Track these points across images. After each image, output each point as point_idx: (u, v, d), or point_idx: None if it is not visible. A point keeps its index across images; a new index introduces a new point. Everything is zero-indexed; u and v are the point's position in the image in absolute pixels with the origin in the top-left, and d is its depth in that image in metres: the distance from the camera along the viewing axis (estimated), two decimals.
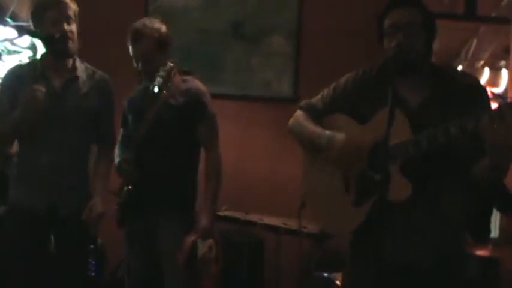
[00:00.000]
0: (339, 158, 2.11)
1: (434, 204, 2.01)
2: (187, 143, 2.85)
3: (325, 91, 2.29)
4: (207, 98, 2.86)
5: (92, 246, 2.85)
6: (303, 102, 2.36)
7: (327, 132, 2.16)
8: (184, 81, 2.86)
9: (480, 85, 2.09)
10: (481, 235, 3.28)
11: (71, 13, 2.60)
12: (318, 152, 2.20)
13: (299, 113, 2.34)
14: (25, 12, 4.11)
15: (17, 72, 2.69)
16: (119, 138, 2.97)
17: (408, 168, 1.94)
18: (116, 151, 2.93)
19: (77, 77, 2.70)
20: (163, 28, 2.82)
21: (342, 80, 2.25)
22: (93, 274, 2.92)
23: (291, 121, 2.35)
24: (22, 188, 2.68)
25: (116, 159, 2.88)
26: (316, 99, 2.31)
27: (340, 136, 2.11)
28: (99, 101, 2.76)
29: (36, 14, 2.59)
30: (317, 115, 2.27)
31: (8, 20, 4.13)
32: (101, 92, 2.78)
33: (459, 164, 1.97)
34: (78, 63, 2.73)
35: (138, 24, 2.80)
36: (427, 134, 1.89)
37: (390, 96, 1.80)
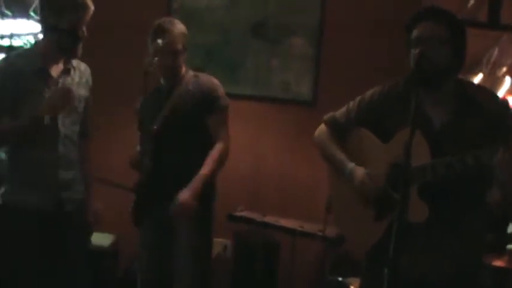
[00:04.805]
0: (358, 191, 2.17)
1: (452, 223, 2.03)
2: (202, 136, 2.90)
3: (351, 104, 2.31)
4: (219, 91, 2.96)
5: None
6: (327, 116, 2.39)
7: (349, 165, 2.22)
8: (196, 76, 2.98)
9: (505, 112, 2.06)
10: (498, 245, 3.24)
11: (88, 18, 2.59)
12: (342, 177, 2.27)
13: (323, 128, 2.38)
14: None
15: (14, 63, 2.57)
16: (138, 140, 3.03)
17: (425, 192, 1.96)
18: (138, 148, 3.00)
19: (73, 67, 2.67)
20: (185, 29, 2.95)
21: (368, 94, 2.26)
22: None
23: (316, 136, 2.40)
24: (22, 186, 2.59)
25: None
26: (340, 113, 2.33)
27: (360, 172, 2.17)
28: (85, 91, 2.75)
29: (60, 11, 2.53)
30: (341, 130, 2.32)
31: (32, 14, 4.16)
32: (87, 82, 2.76)
33: (476, 187, 1.99)
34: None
35: (167, 22, 2.89)
36: (444, 161, 1.91)
37: (412, 113, 1.79)
